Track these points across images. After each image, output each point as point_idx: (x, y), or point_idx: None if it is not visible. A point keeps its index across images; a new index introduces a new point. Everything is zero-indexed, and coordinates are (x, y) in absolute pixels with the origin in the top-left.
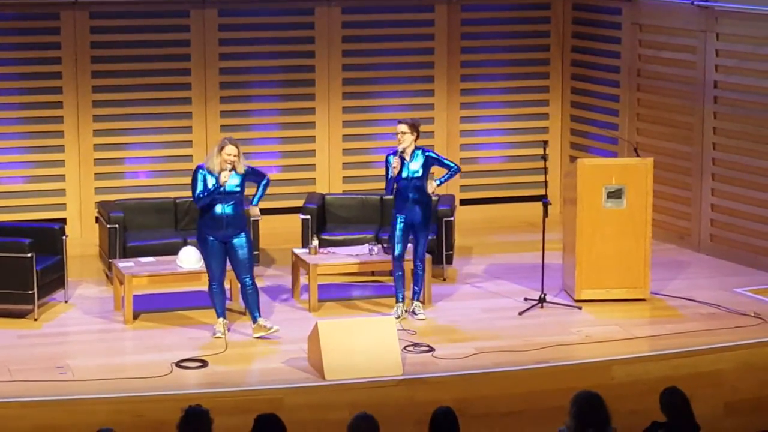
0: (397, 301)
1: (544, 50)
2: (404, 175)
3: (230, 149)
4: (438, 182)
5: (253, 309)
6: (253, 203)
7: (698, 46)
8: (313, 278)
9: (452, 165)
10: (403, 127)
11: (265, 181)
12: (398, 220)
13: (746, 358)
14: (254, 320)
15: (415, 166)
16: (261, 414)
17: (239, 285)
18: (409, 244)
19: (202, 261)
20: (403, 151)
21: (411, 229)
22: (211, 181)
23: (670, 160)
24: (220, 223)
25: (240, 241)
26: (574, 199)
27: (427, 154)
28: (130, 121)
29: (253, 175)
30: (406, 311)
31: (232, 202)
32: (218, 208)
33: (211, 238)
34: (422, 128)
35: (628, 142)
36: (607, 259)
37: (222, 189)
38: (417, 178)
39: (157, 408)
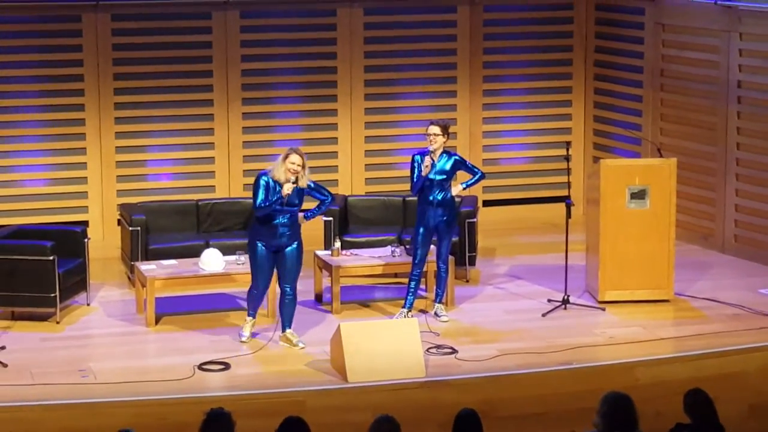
0: (404, 306)
1: (567, 50)
2: (430, 176)
3: (294, 158)
4: (463, 186)
5: (285, 319)
6: (306, 217)
7: (721, 46)
8: (335, 280)
9: (478, 171)
10: (436, 129)
11: (329, 200)
12: (421, 228)
13: None
14: (283, 330)
15: (442, 168)
16: (287, 417)
17: (280, 292)
18: (433, 246)
19: (225, 264)
20: (433, 152)
21: (434, 232)
22: (272, 189)
23: (694, 161)
24: (275, 233)
25: (292, 250)
26: (598, 199)
27: (454, 157)
28: (152, 123)
29: (316, 191)
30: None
31: (290, 215)
32: (276, 220)
33: (262, 247)
34: None
35: (652, 142)
36: (631, 260)
37: (283, 200)
38: (443, 180)
39: (180, 411)
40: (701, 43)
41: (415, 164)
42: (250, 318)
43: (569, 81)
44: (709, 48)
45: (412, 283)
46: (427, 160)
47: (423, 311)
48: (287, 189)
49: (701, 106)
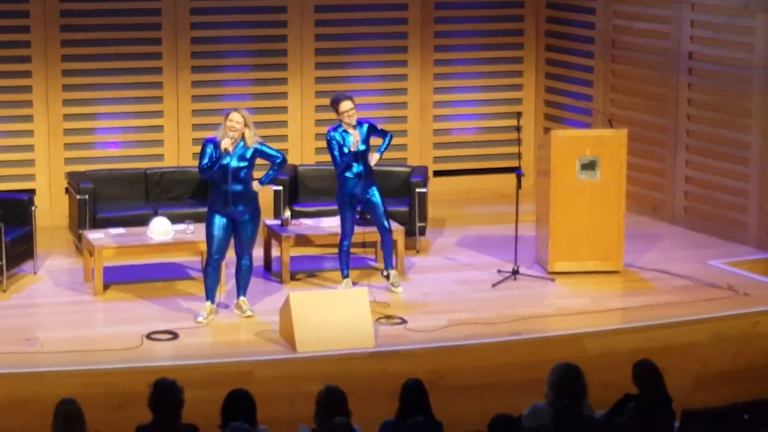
0: (344, 277)
1: (519, 21)
2: (353, 149)
3: (233, 116)
4: (379, 153)
5: (240, 286)
6: (261, 181)
7: (673, 17)
8: (285, 250)
9: (387, 132)
10: (350, 104)
11: (280, 159)
12: (347, 200)
13: (719, 330)
14: (237, 296)
15: (363, 137)
16: (232, 390)
17: (236, 261)
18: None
19: (173, 232)
20: (351, 125)
21: (364, 203)
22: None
23: (645, 132)
24: (227, 199)
25: (248, 219)
26: (548, 170)
27: (366, 124)
28: (101, 91)
29: (265, 154)
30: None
31: (239, 178)
32: (224, 184)
33: (217, 215)
34: (396, 99)
35: (603, 113)
36: (581, 231)
37: (227, 161)
38: (365, 150)
39: (127, 380)
40: (653, 13)
41: (334, 142)
42: (209, 303)
43: (520, 51)
44: (661, 19)
45: (343, 256)
46: (356, 135)
47: (371, 283)
48: (226, 144)
49: (652, 77)
